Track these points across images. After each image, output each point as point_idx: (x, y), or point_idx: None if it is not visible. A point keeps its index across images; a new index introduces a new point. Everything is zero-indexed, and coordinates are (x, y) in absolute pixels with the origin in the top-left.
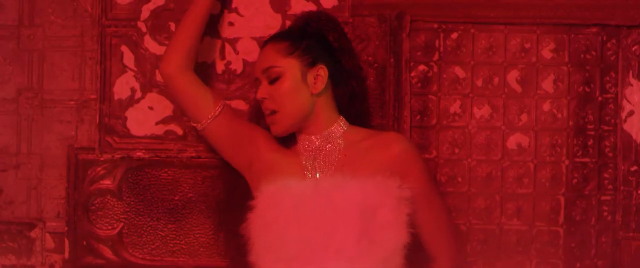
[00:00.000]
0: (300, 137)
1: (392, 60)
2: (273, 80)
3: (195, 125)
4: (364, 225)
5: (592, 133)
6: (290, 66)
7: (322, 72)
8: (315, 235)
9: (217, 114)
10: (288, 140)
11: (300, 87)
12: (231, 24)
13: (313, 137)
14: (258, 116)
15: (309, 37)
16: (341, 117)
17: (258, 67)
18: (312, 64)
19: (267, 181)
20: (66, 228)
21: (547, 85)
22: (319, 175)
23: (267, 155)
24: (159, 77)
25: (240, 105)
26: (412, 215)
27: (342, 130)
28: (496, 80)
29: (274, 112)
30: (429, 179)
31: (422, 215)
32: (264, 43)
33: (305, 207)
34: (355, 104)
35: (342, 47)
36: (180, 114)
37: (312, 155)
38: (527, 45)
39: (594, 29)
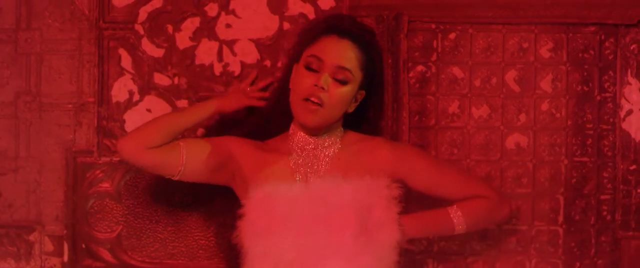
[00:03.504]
0: (298, 135)
1: (390, 61)
2: (339, 81)
3: (169, 177)
4: (360, 223)
5: (591, 132)
6: (357, 79)
7: (360, 97)
8: (313, 237)
9: (184, 161)
10: (266, 137)
11: (350, 100)
12: (229, 26)
13: (312, 139)
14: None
15: (371, 58)
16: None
17: (335, 59)
18: (362, 86)
19: (255, 187)
20: (65, 232)
21: (546, 84)
22: (310, 177)
23: (249, 162)
24: (156, 80)
25: None
26: (441, 193)
27: (340, 135)
28: (494, 80)
29: (321, 105)
30: (424, 155)
31: (445, 183)
32: (341, 31)
33: (299, 210)
34: (361, 125)
35: (381, 72)
36: None
37: (304, 157)
38: (525, 45)
39: (592, 28)
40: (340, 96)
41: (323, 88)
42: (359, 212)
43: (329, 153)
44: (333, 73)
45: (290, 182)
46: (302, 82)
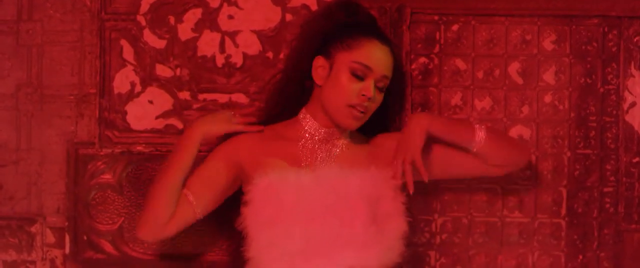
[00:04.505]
0: (310, 122)
1: None
2: (380, 88)
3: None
4: (371, 213)
5: (594, 124)
6: (388, 82)
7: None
8: (323, 227)
9: (196, 206)
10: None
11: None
12: (231, 17)
13: (324, 129)
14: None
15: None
16: None
17: (382, 69)
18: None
19: (260, 174)
20: (66, 224)
21: (549, 77)
22: (318, 166)
23: (250, 158)
24: (158, 71)
25: (241, 98)
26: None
27: (348, 131)
28: (497, 72)
29: (364, 113)
30: None
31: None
32: (380, 35)
33: (308, 199)
34: (365, 127)
35: (401, 71)
36: (180, 108)
37: (313, 145)
38: (528, 37)
39: (595, 20)
40: (378, 103)
41: (370, 98)
42: (368, 202)
43: (338, 144)
44: (377, 81)
45: (298, 170)
46: (347, 88)
